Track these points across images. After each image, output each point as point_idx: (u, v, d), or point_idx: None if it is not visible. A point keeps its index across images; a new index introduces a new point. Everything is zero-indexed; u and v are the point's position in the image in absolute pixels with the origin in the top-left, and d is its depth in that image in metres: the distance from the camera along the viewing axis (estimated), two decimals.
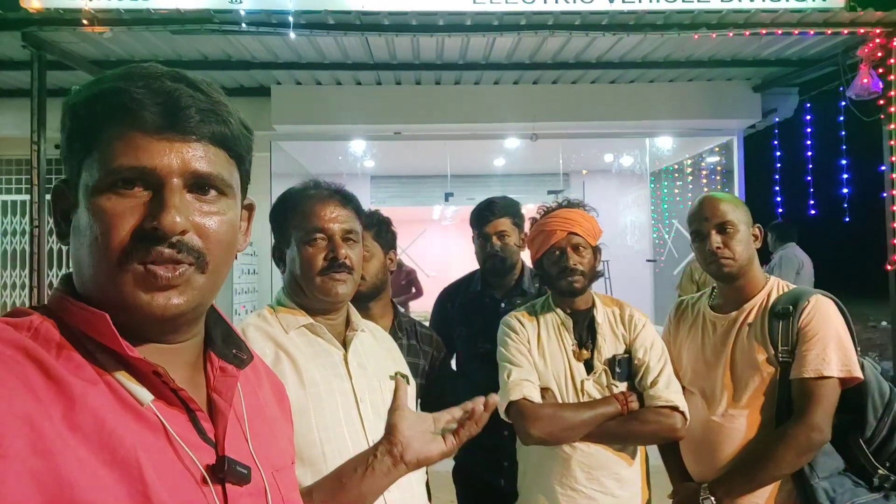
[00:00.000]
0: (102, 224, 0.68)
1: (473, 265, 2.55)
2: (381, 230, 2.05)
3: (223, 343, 0.82)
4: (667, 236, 8.64)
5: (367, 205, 9.24)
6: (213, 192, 0.74)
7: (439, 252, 9.77)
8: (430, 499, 2.04)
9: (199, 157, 0.71)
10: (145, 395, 0.68)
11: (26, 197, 6.97)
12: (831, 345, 1.71)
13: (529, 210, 2.43)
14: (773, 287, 1.88)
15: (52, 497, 0.57)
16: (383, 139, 7.02)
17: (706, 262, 1.89)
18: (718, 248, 1.84)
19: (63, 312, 0.69)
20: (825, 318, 1.74)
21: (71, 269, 0.75)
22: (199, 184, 0.72)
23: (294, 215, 1.48)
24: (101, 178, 0.68)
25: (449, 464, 2.36)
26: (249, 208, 0.86)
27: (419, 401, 2.03)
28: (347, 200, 1.52)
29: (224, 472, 0.71)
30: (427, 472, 2.11)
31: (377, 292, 2.02)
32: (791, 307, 1.78)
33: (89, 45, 5.14)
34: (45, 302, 0.73)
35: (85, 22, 4.58)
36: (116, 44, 5.14)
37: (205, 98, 0.72)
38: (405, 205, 9.52)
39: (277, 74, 6.02)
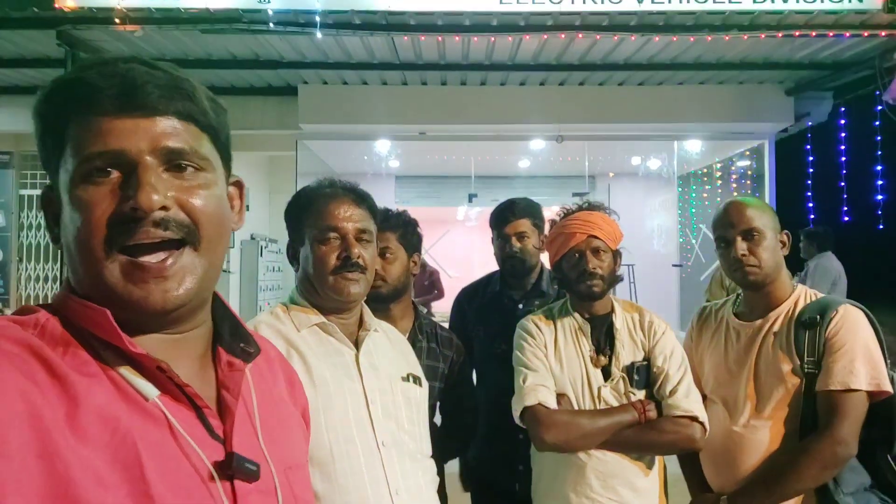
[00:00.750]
0: (82, 214, 0.67)
1: (496, 266, 2.53)
2: (406, 231, 2.02)
3: (231, 337, 0.81)
4: (694, 241, 8.51)
5: (391, 204, 9.29)
6: (190, 169, 0.72)
7: (462, 253, 9.74)
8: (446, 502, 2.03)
9: (168, 132, 0.70)
10: (151, 390, 0.67)
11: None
12: (860, 357, 1.65)
13: (554, 212, 2.40)
14: (801, 296, 1.82)
15: (54, 498, 0.56)
16: (408, 139, 7.03)
17: (731, 270, 1.84)
18: (744, 255, 1.79)
19: (67, 310, 0.69)
20: (854, 329, 1.68)
21: None
22: (174, 160, 0.71)
23: (308, 214, 1.47)
24: (74, 170, 0.67)
25: (451, 465, 2.33)
26: (238, 185, 0.84)
27: (438, 404, 2.01)
28: (362, 199, 1.50)
29: (232, 468, 0.70)
30: (443, 476, 2.10)
31: (398, 294, 2.00)
32: (818, 317, 1.72)
33: (121, 44, 5.22)
34: (51, 300, 0.73)
35: (117, 20, 4.66)
36: (148, 42, 5.22)
37: (163, 75, 0.71)
38: (429, 205, 9.50)
39: (304, 74, 6.06)
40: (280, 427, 0.85)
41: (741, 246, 1.80)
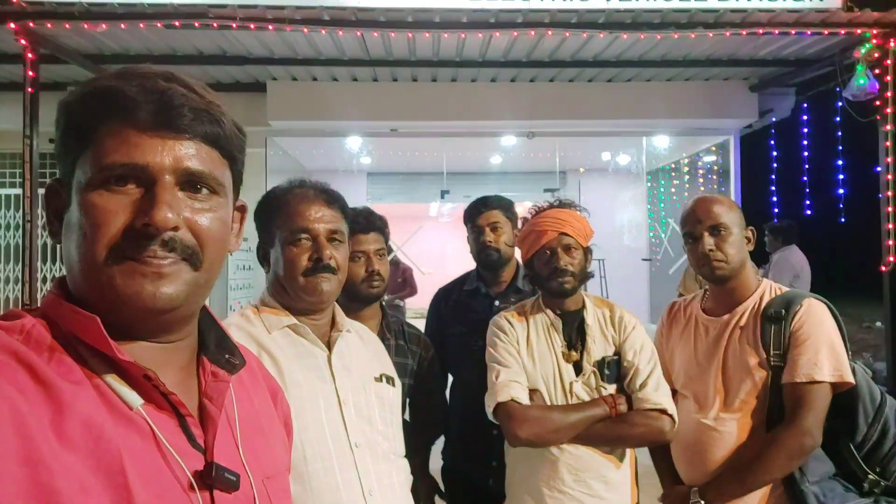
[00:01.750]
0: (93, 220, 0.68)
1: (469, 262, 2.54)
2: (386, 228, 2.07)
3: (216, 348, 0.82)
4: (663, 235, 8.63)
5: (363, 201, 9.23)
6: (204, 191, 0.74)
7: (435, 249, 9.75)
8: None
9: (192, 155, 0.72)
10: (135, 398, 0.68)
11: (18, 191, 6.94)
12: (823, 349, 1.70)
13: (526, 208, 2.42)
14: (766, 290, 1.86)
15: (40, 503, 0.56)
16: (380, 136, 7.00)
17: (698, 265, 1.87)
18: (711, 250, 1.82)
19: (55, 314, 0.69)
20: (817, 323, 1.73)
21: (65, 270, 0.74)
22: (192, 182, 0.72)
23: (278, 215, 1.45)
24: (93, 174, 0.68)
25: (436, 463, 2.34)
26: (241, 210, 0.86)
27: (408, 400, 2.02)
28: (333, 200, 1.49)
29: (212, 478, 0.71)
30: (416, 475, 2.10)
31: (384, 293, 2.03)
32: (783, 311, 1.76)
33: (83, 39, 5.11)
34: (39, 302, 0.74)
35: (78, 16, 4.55)
36: (110, 38, 5.11)
37: (198, 98, 0.73)
38: (402, 202, 9.50)
39: (273, 70, 5.99)
40: (260, 437, 0.86)
41: (708, 241, 1.83)
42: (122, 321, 0.70)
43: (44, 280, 6.90)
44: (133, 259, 0.68)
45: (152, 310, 0.70)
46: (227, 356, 0.82)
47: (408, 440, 1.59)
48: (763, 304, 1.82)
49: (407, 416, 2.04)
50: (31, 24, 4.61)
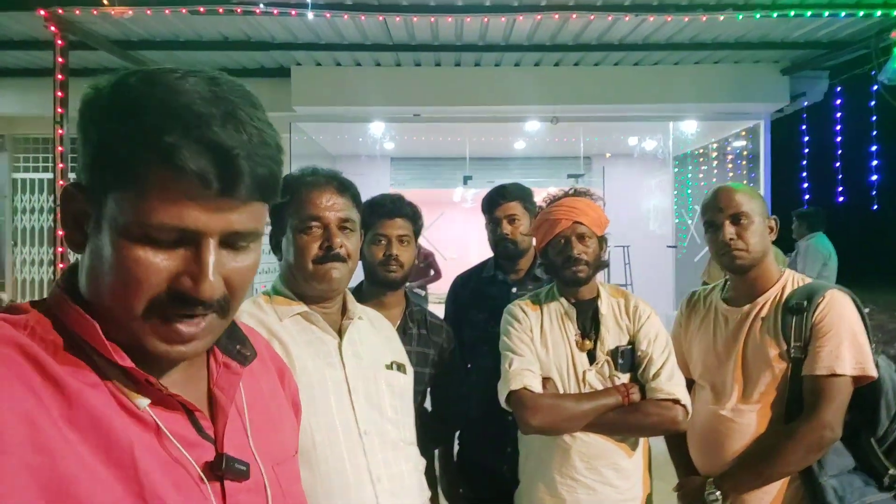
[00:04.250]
0: (133, 271, 0.64)
1: (489, 249, 2.54)
2: (417, 218, 2.06)
3: (228, 339, 0.81)
4: (689, 222, 8.50)
5: (386, 187, 9.23)
6: (246, 243, 0.71)
7: (458, 235, 9.73)
8: (440, 488, 2.05)
9: (244, 218, 0.68)
10: (141, 400, 0.68)
11: (48, 175, 7.10)
12: (845, 342, 1.66)
13: (541, 199, 2.41)
14: (788, 280, 1.82)
15: (52, 492, 0.57)
16: (403, 121, 6.99)
17: (719, 254, 1.84)
18: (732, 239, 1.79)
19: (60, 312, 0.68)
20: (840, 315, 1.69)
21: (76, 264, 0.72)
22: (236, 239, 0.69)
23: (290, 203, 1.46)
24: (136, 223, 0.64)
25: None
26: None
27: (429, 390, 2.03)
28: (345, 188, 1.49)
29: (222, 469, 0.72)
30: (432, 461, 2.12)
31: (406, 280, 2.04)
32: (805, 302, 1.72)
33: (110, 25, 5.17)
34: (45, 298, 0.72)
35: (105, 2, 4.60)
36: (137, 24, 5.17)
37: (253, 147, 0.65)
38: (424, 187, 9.48)
39: (297, 55, 6.00)
40: (269, 423, 0.86)
41: (729, 230, 1.79)
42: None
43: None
44: (169, 319, 0.67)
45: (176, 362, 0.71)
46: (238, 347, 0.81)
47: (429, 430, 1.59)
48: (785, 295, 1.78)
49: (428, 406, 2.07)
50: (60, 11, 4.69)
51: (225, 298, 0.69)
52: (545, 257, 1.94)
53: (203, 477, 0.70)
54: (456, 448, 2.40)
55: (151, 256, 0.64)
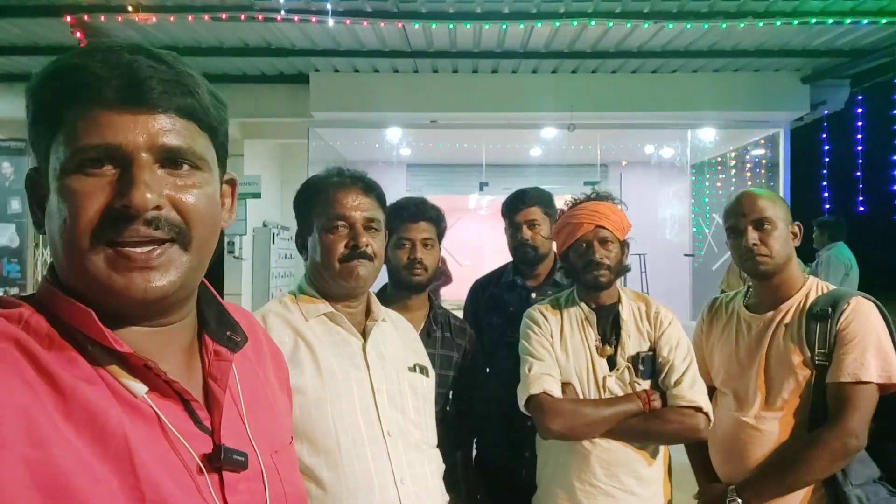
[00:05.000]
0: (71, 205, 0.65)
1: (507, 255, 2.54)
2: (441, 222, 2.08)
3: (217, 325, 0.80)
4: (707, 231, 8.43)
5: (402, 193, 9.25)
6: (185, 167, 0.70)
7: (474, 241, 9.73)
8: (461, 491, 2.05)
9: (167, 130, 0.68)
10: (139, 387, 0.67)
11: None
12: (871, 349, 1.64)
13: (563, 202, 2.41)
14: (812, 287, 1.81)
15: (48, 487, 0.56)
16: (419, 127, 7.02)
17: (742, 260, 1.83)
18: (755, 244, 1.78)
19: (52, 304, 0.68)
20: (865, 322, 1.67)
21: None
22: (171, 158, 0.69)
23: (316, 203, 1.48)
24: (67, 159, 0.65)
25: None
26: (231, 183, 0.83)
27: (451, 392, 2.03)
28: (370, 189, 1.51)
29: (220, 461, 0.71)
30: (454, 464, 2.11)
31: (430, 283, 2.05)
32: (830, 309, 1.71)
33: (134, 32, 5.25)
34: (34, 293, 0.72)
35: (130, 9, 4.68)
36: (160, 31, 5.24)
37: (168, 69, 0.69)
38: (440, 193, 9.47)
39: (316, 61, 6.05)
40: (267, 411, 0.86)
41: (752, 235, 1.78)
42: (114, 309, 0.68)
43: None
44: (116, 244, 0.65)
45: (144, 301, 0.67)
46: (227, 333, 0.80)
47: (451, 433, 1.60)
48: (808, 302, 1.77)
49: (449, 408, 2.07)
50: (85, 18, 4.77)
51: (178, 224, 0.68)
52: (566, 261, 1.94)
53: (202, 468, 0.69)
54: (474, 452, 2.40)
55: (86, 184, 0.65)
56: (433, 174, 9.57)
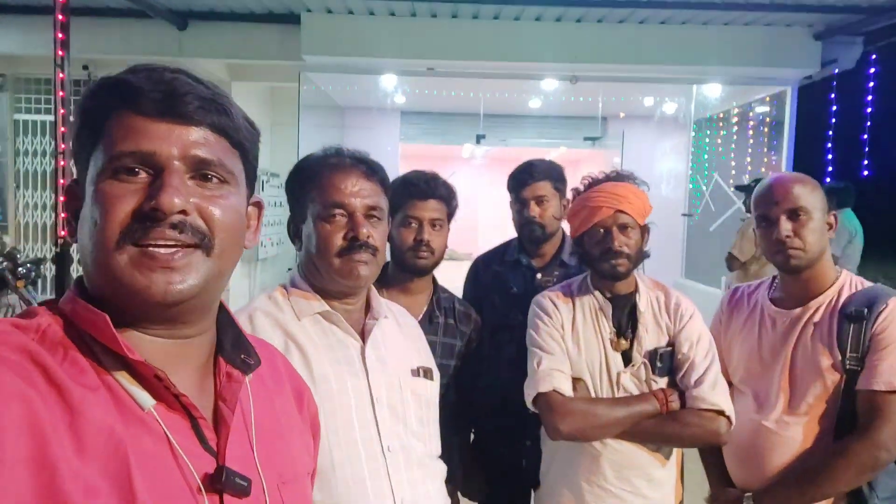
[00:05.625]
0: (102, 208, 0.68)
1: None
2: (453, 201, 1.91)
3: (232, 348, 0.81)
4: (704, 188, 8.28)
5: (396, 141, 8.94)
6: (215, 180, 0.73)
7: (468, 194, 9.53)
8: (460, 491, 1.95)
9: (200, 142, 0.72)
10: (146, 399, 0.67)
11: (50, 117, 6.88)
12: None
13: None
14: (846, 283, 1.67)
15: (46, 501, 0.57)
16: (416, 75, 6.72)
17: (772, 252, 1.68)
18: (788, 236, 1.63)
19: (71, 312, 0.70)
20: None
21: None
22: (201, 170, 0.72)
23: (311, 187, 1.31)
24: (103, 165, 0.69)
25: None
26: (258, 206, 0.86)
27: (451, 381, 1.91)
28: (373, 172, 1.34)
29: (222, 483, 0.70)
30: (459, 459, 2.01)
31: (436, 266, 1.90)
32: (865, 310, 1.58)
33: None
34: (57, 298, 0.74)
35: None
36: None
37: (205, 89, 0.73)
38: (435, 143, 9.22)
39: (307, 0, 5.71)
40: (279, 441, 0.84)
41: (785, 226, 1.64)
42: (135, 312, 0.70)
43: None
44: (142, 244, 0.67)
45: (164, 302, 0.69)
46: (242, 356, 0.81)
47: (449, 420, 1.49)
48: (842, 300, 1.64)
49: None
50: None
51: (202, 230, 0.71)
52: (580, 246, 1.79)
53: (202, 488, 0.69)
54: (471, 437, 2.30)
55: (118, 188, 0.68)
56: (428, 123, 9.26)
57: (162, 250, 0.68)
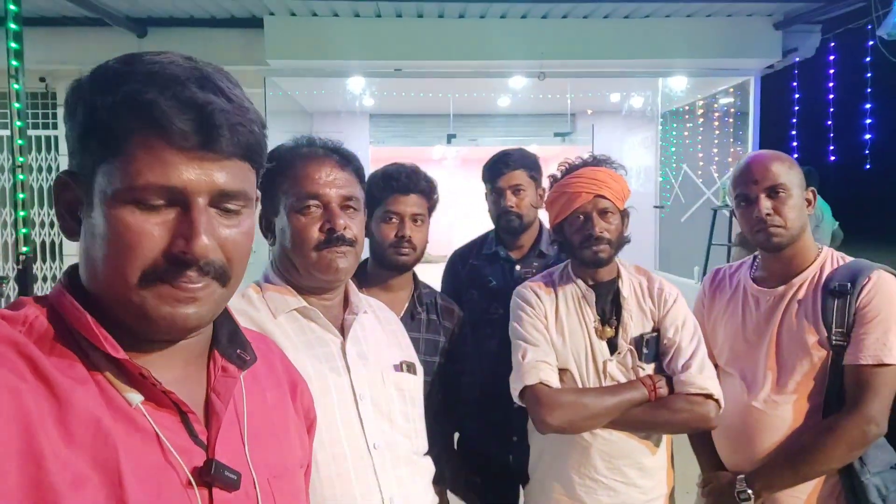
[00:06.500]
0: (126, 240, 0.66)
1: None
2: (434, 195, 1.86)
3: (228, 342, 0.81)
4: (674, 181, 8.36)
5: (365, 145, 8.83)
6: (235, 207, 0.72)
7: (441, 195, 9.50)
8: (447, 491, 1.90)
9: (228, 175, 0.70)
10: (134, 397, 0.67)
11: (5, 132, 6.66)
12: (894, 328, 1.51)
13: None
14: (827, 259, 1.67)
15: (31, 499, 0.56)
16: (383, 76, 6.67)
17: (752, 231, 1.67)
18: (768, 214, 1.62)
19: (59, 306, 0.69)
20: (888, 298, 1.54)
21: (76, 259, 0.73)
22: (224, 203, 0.71)
23: (284, 178, 1.24)
24: (125, 189, 0.65)
25: None
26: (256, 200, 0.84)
27: (436, 378, 1.86)
28: (347, 161, 1.28)
29: (211, 476, 0.70)
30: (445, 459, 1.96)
31: (417, 262, 1.83)
32: (848, 284, 1.57)
33: None
34: (48, 293, 0.73)
35: None
36: None
37: (233, 108, 0.69)
38: (405, 145, 9.17)
39: (270, 4, 5.62)
40: (271, 435, 0.84)
41: (765, 204, 1.62)
42: (139, 327, 0.69)
43: (41, 224, 6.70)
44: (167, 283, 0.67)
45: (182, 330, 0.70)
46: (238, 351, 0.80)
47: (436, 419, 1.45)
48: (824, 276, 1.63)
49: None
50: None
51: (223, 266, 0.71)
52: (560, 234, 1.76)
53: (192, 481, 0.68)
54: (456, 435, 2.25)
55: (142, 221, 0.66)
56: (398, 125, 9.21)
57: (190, 285, 0.68)
